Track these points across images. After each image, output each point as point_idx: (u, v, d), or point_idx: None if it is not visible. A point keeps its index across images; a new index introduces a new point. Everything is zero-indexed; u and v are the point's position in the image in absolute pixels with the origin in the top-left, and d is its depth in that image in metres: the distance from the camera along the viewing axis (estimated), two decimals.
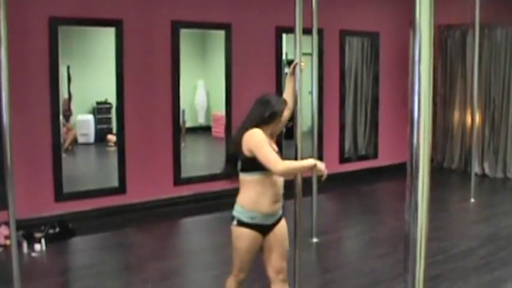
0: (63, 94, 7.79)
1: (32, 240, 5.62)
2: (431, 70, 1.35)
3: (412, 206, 1.37)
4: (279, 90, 7.96)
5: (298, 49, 4.14)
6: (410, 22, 1.36)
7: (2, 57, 3.86)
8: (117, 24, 6.73)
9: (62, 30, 6.44)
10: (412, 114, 1.36)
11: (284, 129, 6.83)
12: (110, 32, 6.80)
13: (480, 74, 8.65)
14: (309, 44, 5.73)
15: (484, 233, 6.20)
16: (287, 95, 3.97)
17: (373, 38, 9.21)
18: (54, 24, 6.30)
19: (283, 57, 8.30)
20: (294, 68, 3.96)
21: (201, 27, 7.76)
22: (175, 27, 7.17)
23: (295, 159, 3.91)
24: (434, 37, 1.37)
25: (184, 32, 7.36)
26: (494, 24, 9.08)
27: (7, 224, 4.30)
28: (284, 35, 8.07)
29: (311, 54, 5.93)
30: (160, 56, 7.11)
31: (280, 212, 3.55)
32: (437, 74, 9.89)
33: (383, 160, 9.46)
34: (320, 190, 5.94)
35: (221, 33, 7.67)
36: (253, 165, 3.34)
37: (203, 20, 7.44)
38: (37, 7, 6.21)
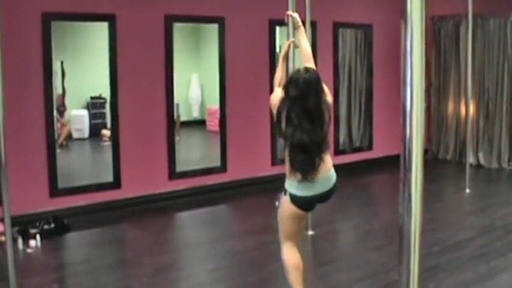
0: (57, 89, 7.77)
1: (27, 236, 5.61)
2: (423, 61, 1.35)
3: (405, 198, 1.37)
4: (273, 83, 7.95)
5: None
6: (402, 13, 1.35)
7: None
8: (110, 19, 6.70)
9: (55, 25, 6.40)
10: (404, 105, 1.35)
11: None
12: (103, 27, 6.77)
13: (474, 64, 8.65)
14: None
15: (480, 224, 6.21)
16: (281, 76, 3.97)
17: (367, 30, 9.20)
18: (47, 19, 6.26)
19: (277, 50, 8.28)
20: (287, 49, 3.96)
21: (195, 21, 7.74)
22: (169, 21, 7.14)
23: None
24: (426, 28, 1.37)
25: (177, 26, 7.33)
26: (487, 14, 9.08)
27: (2, 220, 4.29)
28: (278, 28, 8.05)
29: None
30: (153, 50, 7.09)
31: None
32: (430, 65, 9.90)
33: (378, 152, 9.47)
34: None
35: (214, 27, 7.65)
36: None
37: (196, 14, 7.42)
38: (29, 2, 6.17)
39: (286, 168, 3.64)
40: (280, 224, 3.86)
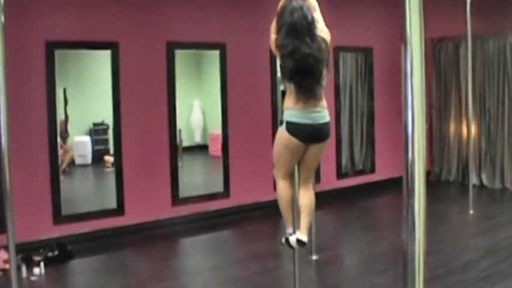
0: (60, 116, 7.79)
1: (30, 264, 5.59)
2: (424, 83, 1.36)
3: (409, 222, 1.37)
4: (275, 108, 8.00)
5: None
6: (401, 36, 1.37)
7: (0, 80, 3.87)
8: (113, 46, 6.76)
9: (58, 53, 6.46)
10: (406, 128, 1.36)
11: None
12: (106, 55, 6.83)
13: (474, 85, 8.68)
14: None
15: (484, 245, 6.18)
16: (274, 26, 4.06)
17: (367, 53, 9.26)
18: (51, 48, 6.33)
19: (278, 74, 8.30)
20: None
21: (196, 47, 7.80)
22: (171, 48, 7.20)
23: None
24: (426, 50, 1.38)
25: (179, 53, 7.39)
26: (486, 35, 9.14)
27: (6, 248, 4.28)
28: None
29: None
30: (156, 76, 7.14)
31: None
32: (431, 86, 9.94)
33: (380, 174, 9.46)
34: (318, 206, 5.92)
35: (216, 53, 7.70)
36: None
37: (198, 41, 7.48)
38: (34, 31, 6.24)
39: (287, 100, 3.81)
40: (275, 160, 4.03)
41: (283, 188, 4.05)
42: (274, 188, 6.82)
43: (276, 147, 3.97)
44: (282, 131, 3.85)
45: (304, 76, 3.70)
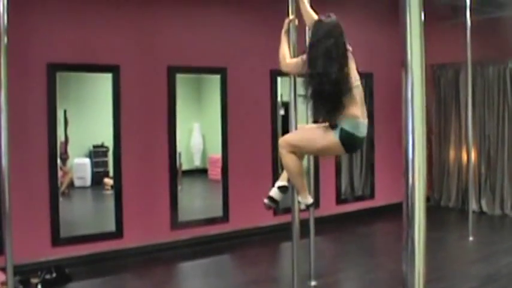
0: (60, 137, 7.82)
1: (28, 286, 5.55)
2: (424, 109, 1.37)
3: (408, 249, 1.36)
4: (275, 132, 8.02)
5: (293, 91, 4.18)
6: (402, 62, 1.38)
7: (2, 101, 3.89)
8: (114, 69, 6.80)
9: (60, 75, 6.49)
10: (406, 154, 1.37)
11: None
12: (107, 78, 6.86)
13: (474, 111, 8.70)
14: None
15: (485, 272, 6.14)
16: (287, 51, 4.08)
17: (367, 78, 9.29)
18: (52, 70, 6.36)
19: (278, 99, 8.36)
20: (288, 27, 4.10)
21: (197, 72, 7.85)
22: (172, 72, 7.24)
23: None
24: (426, 76, 1.40)
25: (179, 76, 7.42)
26: (486, 61, 9.20)
27: (4, 269, 4.26)
28: (279, 78, 8.13)
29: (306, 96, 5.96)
30: (156, 100, 7.16)
31: None
32: (431, 112, 9.97)
33: (380, 200, 9.44)
34: (317, 232, 5.91)
35: (216, 77, 7.74)
36: None
37: (199, 65, 7.52)
38: (36, 54, 6.28)
39: (351, 108, 3.75)
40: (298, 140, 3.88)
41: (292, 159, 3.89)
42: (275, 213, 6.81)
43: (311, 134, 3.89)
44: (331, 135, 3.71)
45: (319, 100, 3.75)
